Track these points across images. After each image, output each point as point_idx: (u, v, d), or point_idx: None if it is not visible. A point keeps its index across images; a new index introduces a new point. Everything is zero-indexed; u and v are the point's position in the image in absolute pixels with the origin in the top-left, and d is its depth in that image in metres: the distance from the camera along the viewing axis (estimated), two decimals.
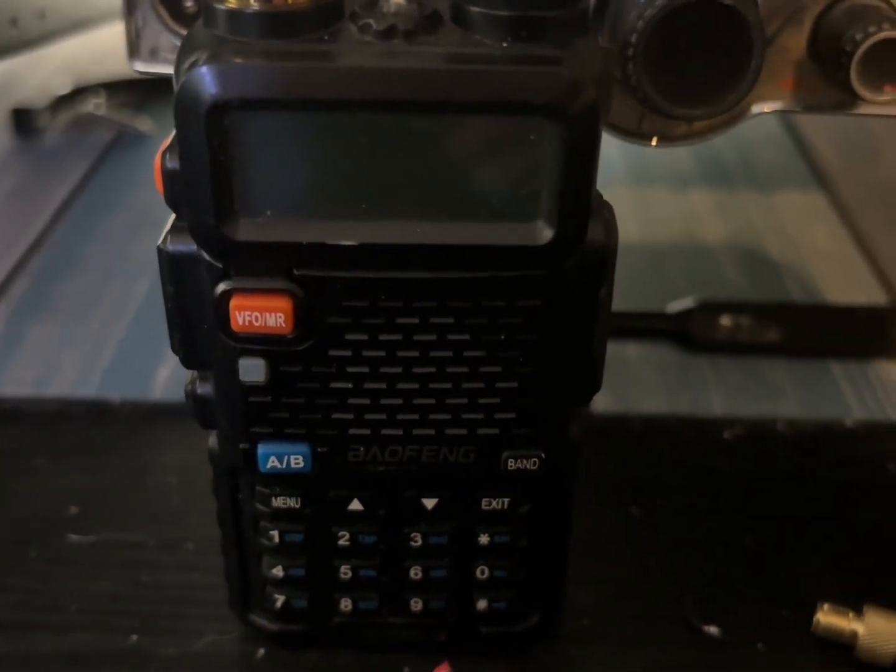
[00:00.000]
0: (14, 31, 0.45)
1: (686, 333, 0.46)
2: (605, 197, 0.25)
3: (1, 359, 0.45)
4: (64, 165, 0.60)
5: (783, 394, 0.43)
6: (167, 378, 0.44)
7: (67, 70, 0.68)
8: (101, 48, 0.69)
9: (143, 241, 0.54)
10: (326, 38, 0.22)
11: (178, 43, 0.33)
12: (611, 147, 0.31)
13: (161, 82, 0.42)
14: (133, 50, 0.34)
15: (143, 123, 0.64)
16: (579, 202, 0.23)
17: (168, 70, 0.35)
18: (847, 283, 0.51)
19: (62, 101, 0.64)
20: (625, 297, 0.33)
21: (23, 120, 0.63)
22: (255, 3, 0.22)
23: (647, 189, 0.59)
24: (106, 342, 0.46)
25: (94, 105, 0.65)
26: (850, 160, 0.63)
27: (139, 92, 0.66)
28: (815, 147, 0.65)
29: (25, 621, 0.33)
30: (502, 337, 0.25)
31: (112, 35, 0.64)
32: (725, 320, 0.45)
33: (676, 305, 0.46)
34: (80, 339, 0.46)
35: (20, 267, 0.51)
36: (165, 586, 0.34)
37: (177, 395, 0.42)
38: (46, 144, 0.63)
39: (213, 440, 0.28)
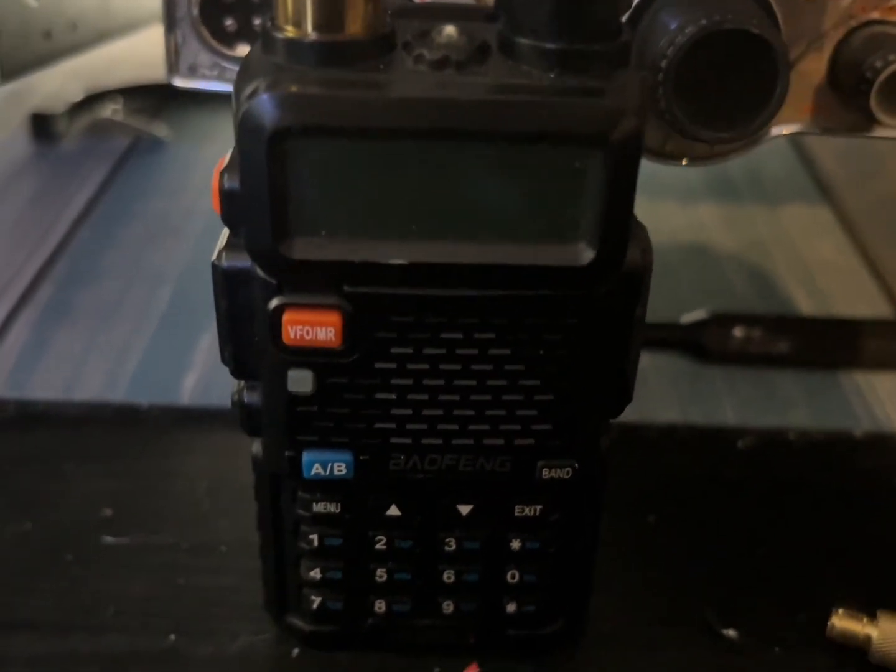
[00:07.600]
0: (47, 44, 0.46)
1: (699, 344, 0.47)
2: None
3: (28, 363, 0.46)
4: (82, 171, 0.61)
5: (794, 405, 0.44)
6: (194, 384, 0.44)
7: (83, 76, 0.69)
8: (117, 54, 0.70)
9: (163, 247, 0.55)
10: (381, 67, 0.23)
11: (218, 60, 0.34)
12: None
13: (177, 89, 0.42)
14: (172, 66, 0.35)
15: (160, 129, 0.65)
16: (619, 226, 0.24)
17: (206, 86, 0.36)
18: (851, 295, 0.53)
19: (79, 107, 0.65)
20: None
21: (41, 126, 0.64)
22: (313, 33, 0.23)
23: (657, 202, 0.61)
24: (132, 348, 0.47)
25: (112, 111, 0.65)
26: (854, 174, 0.64)
27: (156, 98, 0.67)
28: (819, 161, 0.66)
29: (63, 623, 0.33)
30: (541, 352, 0.26)
31: (127, 42, 0.65)
32: (738, 332, 0.46)
33: (690, 317, 0.48)
34: (105, 344, 0.47)
35: (43, 273, 0.52)
36: (199, 588, 0.35)
37: (204, 400, 0.43)
38: (64, 150, 0.64)
39: (256, 447, 0.29)
